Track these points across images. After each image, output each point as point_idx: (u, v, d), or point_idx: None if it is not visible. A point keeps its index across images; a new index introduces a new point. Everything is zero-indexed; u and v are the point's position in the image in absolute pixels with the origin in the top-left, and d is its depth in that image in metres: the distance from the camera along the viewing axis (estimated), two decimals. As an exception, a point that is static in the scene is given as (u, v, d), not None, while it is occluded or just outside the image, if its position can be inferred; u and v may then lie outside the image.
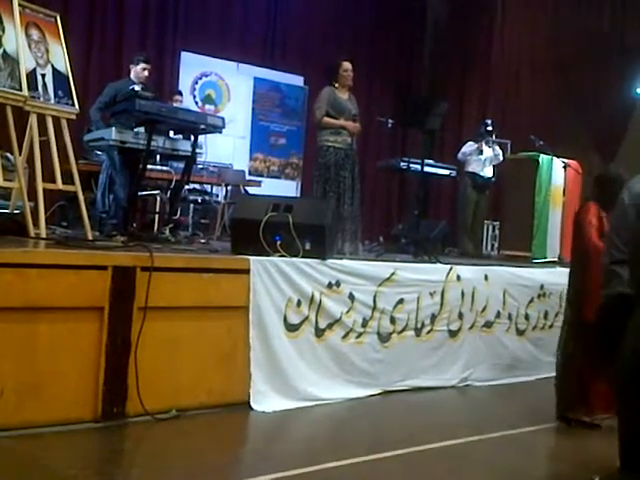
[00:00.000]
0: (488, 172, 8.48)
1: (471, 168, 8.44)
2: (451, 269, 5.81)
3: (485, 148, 8.41)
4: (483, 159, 8.39)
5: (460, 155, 8.54)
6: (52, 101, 4.96)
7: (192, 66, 10.60)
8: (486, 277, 6.06)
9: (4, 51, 4.61)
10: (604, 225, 4.60)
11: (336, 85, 6.43)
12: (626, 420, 3.34)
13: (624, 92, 10.60)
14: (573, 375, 4.69)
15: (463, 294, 5.85)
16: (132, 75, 6.70)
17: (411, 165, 7.98)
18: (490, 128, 8.45)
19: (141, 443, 4.01)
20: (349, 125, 6.36)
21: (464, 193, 8.55)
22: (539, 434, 4.64)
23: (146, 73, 6.71)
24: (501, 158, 8.58)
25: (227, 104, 11.05)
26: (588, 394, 4.63)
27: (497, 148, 8.56)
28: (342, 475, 3.60)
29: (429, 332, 5.65)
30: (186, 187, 7.56)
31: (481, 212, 8.58)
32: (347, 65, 6.47)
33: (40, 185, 4.74)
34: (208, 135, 6.82)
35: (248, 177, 10.08)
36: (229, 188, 9.07)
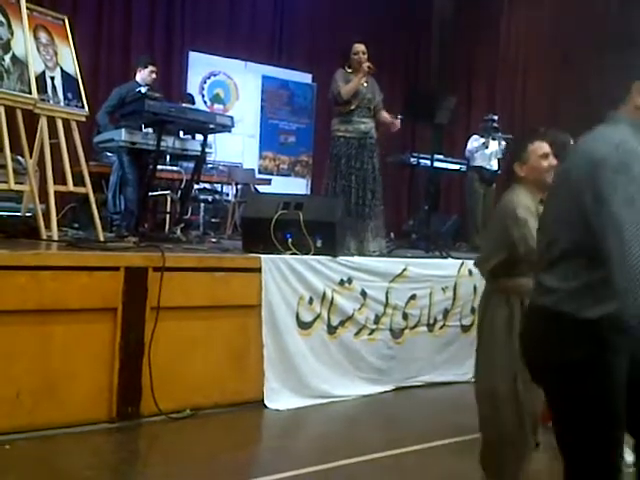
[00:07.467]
0: (494, 165, 8.47)
1: (477, 162, 8.42)
2: (462, 264, 5.79)
3: (491, 142, 8.39)
4: (489, 153, 8.37)
5: (467, 153, 8.52)
6: (62, 104, 4.97)
7: (200, 66, 10.59)
8: (498, 271, 6.02)
9: (13, 54, 4.63)
10: None
11: (349, 70, 5.89)
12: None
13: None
14: None
15: (475, 289, 5.82)
16: (138, 78, 6.68)
17: (421, 160, 7.97)
18: (496, 124, 8.43)
19: (156, 443, 4.03)
20: (359, 77, 5.79)
21: (471, 187, 8.53)
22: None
23: (154, 75, 6.71)
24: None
25: (236, 103, 11.03)
26: None
27: (503, 142, 8.53)
28: (357, 472, 3.60)
29: (442, 327, 5.64)
30: (196, 186, 7.57)
31: (488, 205, 8.56)
32: (358, 47, 5.87)
33: (51, 187, 4.76)
34: (217, 134, 6.82)
35: (258, 175, 10.06)
36: (239, 187, 9.06)
